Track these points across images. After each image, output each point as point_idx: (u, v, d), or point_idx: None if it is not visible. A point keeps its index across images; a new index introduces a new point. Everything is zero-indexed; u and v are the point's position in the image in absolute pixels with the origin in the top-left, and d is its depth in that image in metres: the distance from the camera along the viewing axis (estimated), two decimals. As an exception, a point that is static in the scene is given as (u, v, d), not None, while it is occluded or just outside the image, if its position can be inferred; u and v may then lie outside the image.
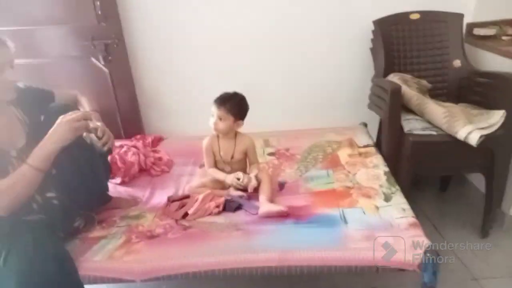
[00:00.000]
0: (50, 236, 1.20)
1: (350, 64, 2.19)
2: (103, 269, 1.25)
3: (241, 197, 1.60)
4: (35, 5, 1.94)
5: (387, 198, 1.49)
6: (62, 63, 2.07)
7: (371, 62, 2.09)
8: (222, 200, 1.56)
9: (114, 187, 1.76)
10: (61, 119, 1.22)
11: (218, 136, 1.65)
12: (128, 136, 2.14)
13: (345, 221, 1.38)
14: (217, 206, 1.53)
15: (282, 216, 1.45)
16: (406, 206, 1.43)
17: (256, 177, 1.61)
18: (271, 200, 1.55)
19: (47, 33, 2.01)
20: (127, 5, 2.02)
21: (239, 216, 1.49)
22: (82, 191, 1.39)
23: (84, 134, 1.32)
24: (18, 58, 1.28)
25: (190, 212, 1.52)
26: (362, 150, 1.89)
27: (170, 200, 1.62)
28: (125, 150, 1.87)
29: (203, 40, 2.11)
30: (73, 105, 1.48)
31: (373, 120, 2.11)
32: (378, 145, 1.96)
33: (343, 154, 1.87)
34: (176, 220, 1.50)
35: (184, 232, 1.42)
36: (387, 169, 1.70)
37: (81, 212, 1.44)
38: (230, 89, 1.62)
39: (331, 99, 2.26)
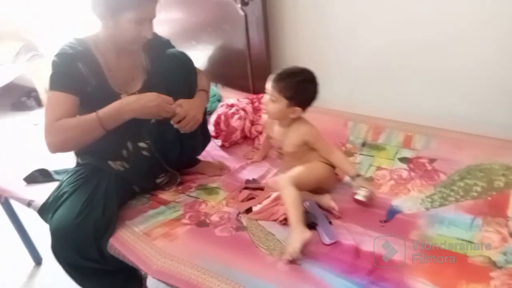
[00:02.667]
0: (109, 199, 1.19)
1: None
2: (127, 248, 1.13)
3: (326, 214, 1.18)
4: None
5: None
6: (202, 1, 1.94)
7: None
8: (295, 209, 1.19)
9: (213, 148, 1.62)
10: (155, 95, 1.14)
11: None
12: (256, 91, 1.91)
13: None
14: (286, 214, 1.18)
15: (355, 256, 0.98)
16: None
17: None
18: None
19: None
20: None
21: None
22: (175, 149, 1.32)
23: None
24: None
25: (254, 209, 1.24)
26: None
27: (245, 185, 1.36)
28: (233, 112, 1.66)
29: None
30: (187, 62, 1.32)
31: None
32: None
33: (520, 198, 1.11)
34: (239, 213, 1.25)
35: (233, 234, 1.17)
36: None
37: (167, 169, 1.38)
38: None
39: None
